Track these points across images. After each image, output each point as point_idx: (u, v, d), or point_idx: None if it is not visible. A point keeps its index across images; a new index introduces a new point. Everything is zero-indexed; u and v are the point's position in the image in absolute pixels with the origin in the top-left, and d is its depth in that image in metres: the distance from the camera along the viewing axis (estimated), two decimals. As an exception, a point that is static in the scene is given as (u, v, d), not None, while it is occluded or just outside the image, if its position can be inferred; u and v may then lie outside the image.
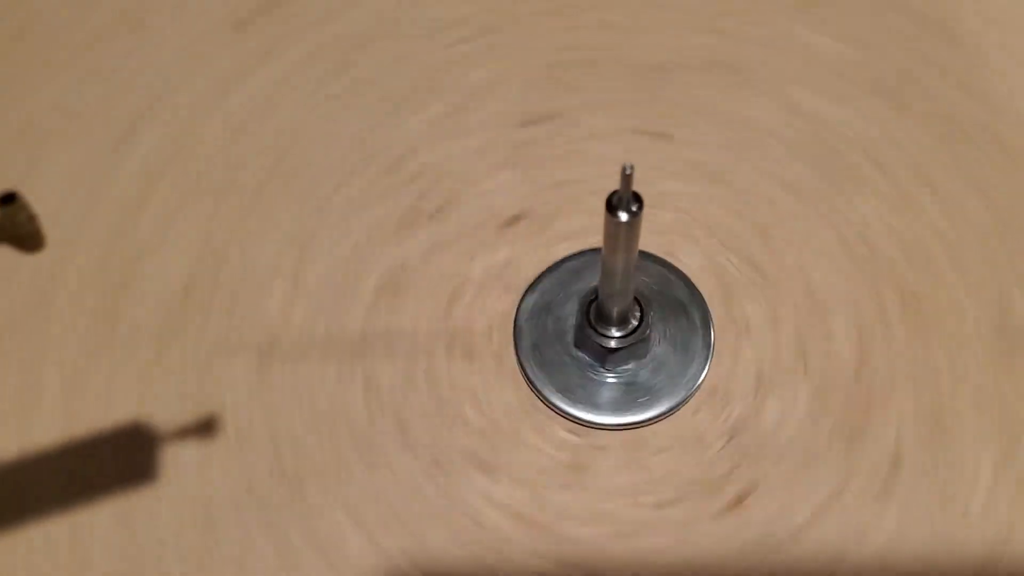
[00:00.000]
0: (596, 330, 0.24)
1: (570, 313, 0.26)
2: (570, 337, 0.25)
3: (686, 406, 0.25)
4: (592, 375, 0.25)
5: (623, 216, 0.21)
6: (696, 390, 0.25)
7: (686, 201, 0.27)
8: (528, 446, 0.24)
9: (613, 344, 0.24)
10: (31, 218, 0.18)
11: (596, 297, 0.24)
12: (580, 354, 0.25)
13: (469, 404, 0.25)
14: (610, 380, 0.25)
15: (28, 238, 0.18)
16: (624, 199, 0.20)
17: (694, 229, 0.27)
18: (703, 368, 0.25)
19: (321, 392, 0.25)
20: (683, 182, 0.28)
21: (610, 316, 0.24)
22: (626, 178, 0.20)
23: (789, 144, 0.28)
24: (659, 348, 0.25)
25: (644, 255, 0.26)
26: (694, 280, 0.26)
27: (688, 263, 0.26)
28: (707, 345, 0.25)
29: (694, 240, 0.27)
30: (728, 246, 0.27)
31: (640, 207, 0.21)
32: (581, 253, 0.27)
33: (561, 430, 0.24)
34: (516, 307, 0.26)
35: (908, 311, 0.26)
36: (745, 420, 0.24)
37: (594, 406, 0.25)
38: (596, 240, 0.26)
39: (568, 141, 0.29)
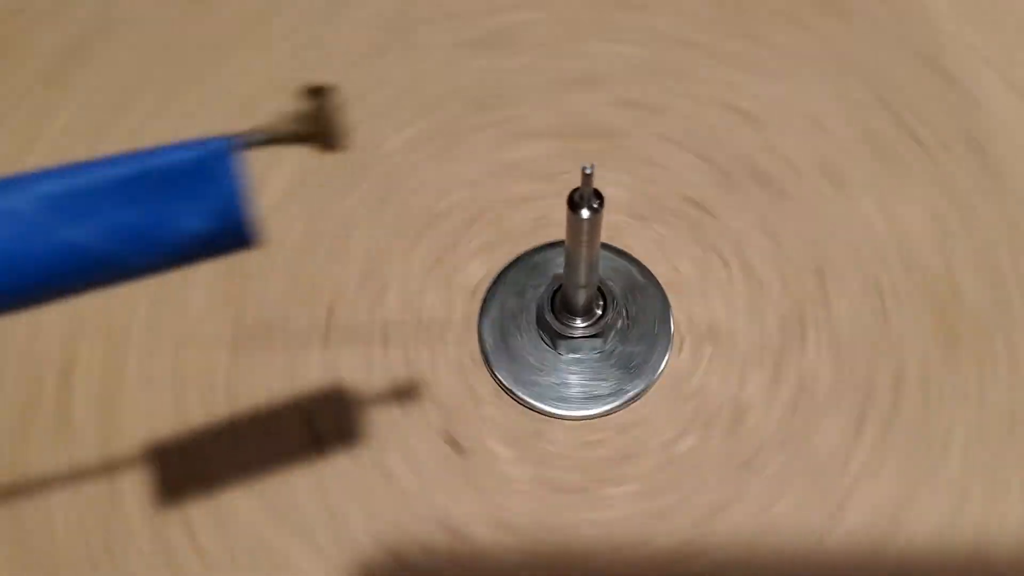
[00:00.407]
0: (560, 319, 0.25)
1: (533, 300, 0.26)
2: (535, 323, 0.25)
3: (644, 397, 0.25)
4: (553, 362, 0.25)
5: (585, 213, 0.21)
6: (656, 380, 0.25)
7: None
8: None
9: (577, 333, 0.25)
10: (339, 112, 0.16)
11: (560, 287, 0.25)
12: (544, 342, 0.25)
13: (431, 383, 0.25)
14: (572, 368, 0.25)
15: (334, 134, 0.16)
16: (586, 196, 0.20)
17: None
18: (663, 358, 0.25)
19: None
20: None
21: (575, 306, 0.24)
22: (586, 177, 0.20)
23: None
24: (620, 338, 0.25)
25: (607, 247, 0.26)
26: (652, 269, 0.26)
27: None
28: (667, 336, 0.26)
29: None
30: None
31: (601, 204, 0.21)
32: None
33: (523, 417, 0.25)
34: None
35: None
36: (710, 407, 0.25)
37: (559, 399, 0.25)
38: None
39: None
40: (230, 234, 0.16)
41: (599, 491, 0.24)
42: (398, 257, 0.27)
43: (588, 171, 0.20)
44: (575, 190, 0.20)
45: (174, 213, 0.15)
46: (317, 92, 0.16)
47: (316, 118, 0.16)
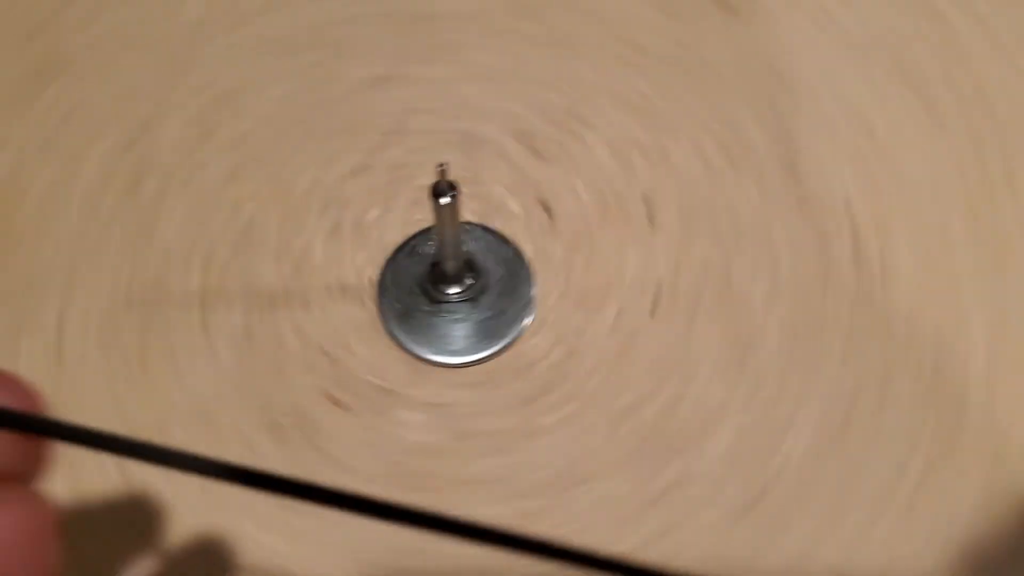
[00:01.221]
0: (438, 287, 0.31)
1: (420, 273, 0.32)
2: (420, 292, 0.32)
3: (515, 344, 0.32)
4: (439, 322, 0.32)
5: (444, 200, 0.27)
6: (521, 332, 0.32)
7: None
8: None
9: (453, 298, 0.31)
10: None
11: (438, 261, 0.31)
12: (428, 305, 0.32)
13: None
14: (454, 325, 0.32)
15: None
16: (443, 187, 0.27)
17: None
18: (527, 314, 0.32)
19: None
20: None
21: (447, 276, 0.31)
22: (441, 172, 0.27)
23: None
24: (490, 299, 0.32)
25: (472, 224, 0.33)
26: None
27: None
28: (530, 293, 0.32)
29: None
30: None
31: (456, 193, 0.27)
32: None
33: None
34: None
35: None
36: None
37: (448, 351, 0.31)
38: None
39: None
40: None
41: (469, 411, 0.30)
42: (309, 227, 0.33)
43: (442, 167, 0.26)
44: (436, 183, 0.27)
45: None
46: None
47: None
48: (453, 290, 0.32)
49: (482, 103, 0.36)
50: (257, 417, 0.30)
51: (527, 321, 0.32)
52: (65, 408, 0.30)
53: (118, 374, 0.31)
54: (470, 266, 0.32)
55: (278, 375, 0.31)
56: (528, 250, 0.33)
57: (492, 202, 0.34)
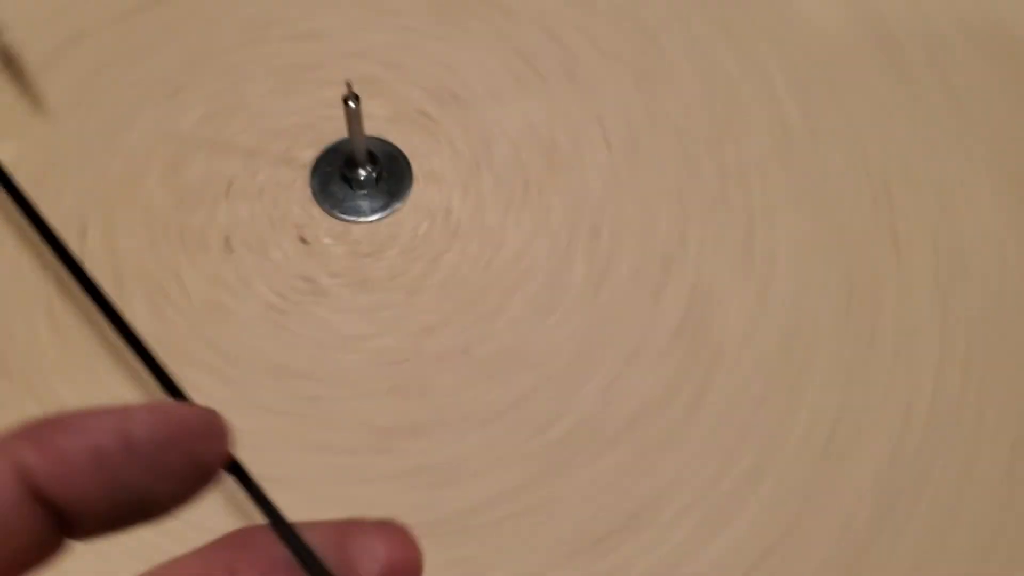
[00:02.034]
0: (351, 172, 0.46)
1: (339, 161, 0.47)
2: (339, 176, 0.47)
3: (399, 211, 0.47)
4: (352, 196, 0.47)
5: (352, 104, 0.42)
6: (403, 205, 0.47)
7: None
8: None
9: (363, 178, 0.46)
10: None
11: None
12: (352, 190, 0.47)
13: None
14: (361, 200, 0.47)
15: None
16: (350, 96, 0.42)
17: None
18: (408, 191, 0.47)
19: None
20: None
21: (356, 162, 0.46)
22: (349, 87, 0.41)
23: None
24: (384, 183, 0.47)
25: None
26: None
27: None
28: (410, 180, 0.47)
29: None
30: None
31: (358, 100, 0.42)
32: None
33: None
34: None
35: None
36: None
37: (356, 213, 0.46)
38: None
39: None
40: None
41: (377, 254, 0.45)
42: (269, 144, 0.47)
43: (348, 83, 0.41)
44: (345, 95, 0.42)
45: None
46: None
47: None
48: (360, 173, 0.47)
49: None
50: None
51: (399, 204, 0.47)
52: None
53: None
54: (371, 158, 0.47)
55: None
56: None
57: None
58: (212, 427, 0.18)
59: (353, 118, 0.43)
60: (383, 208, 0.46)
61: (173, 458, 0.17)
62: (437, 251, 0.45)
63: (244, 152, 0.47)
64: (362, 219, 0.46)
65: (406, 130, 0.48)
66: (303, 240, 0.45)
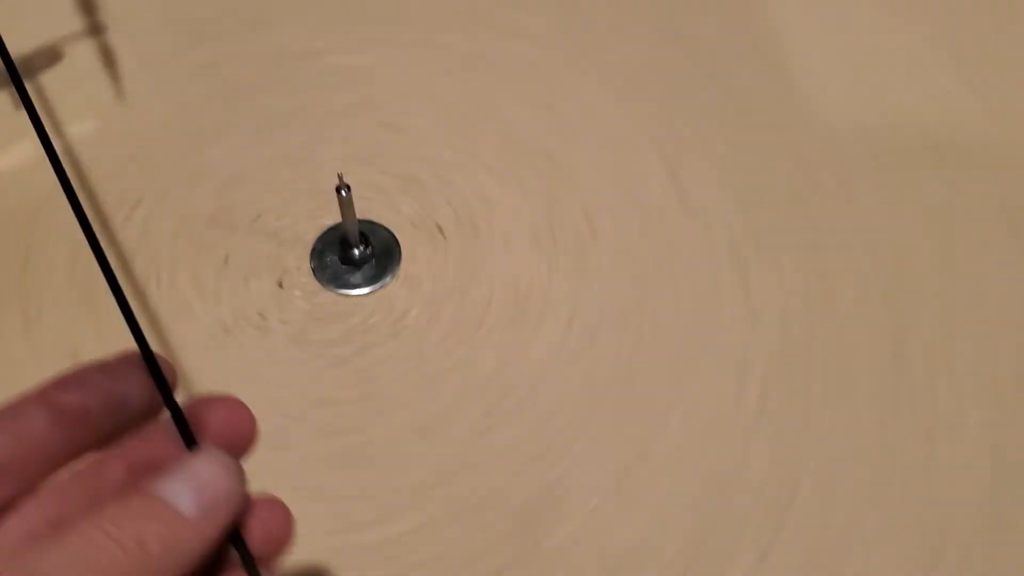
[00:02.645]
0: (346, 252, 0.52)
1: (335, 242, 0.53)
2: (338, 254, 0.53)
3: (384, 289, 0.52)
4: (347, 275, 0.53)
5: (343, 193, 0.48)
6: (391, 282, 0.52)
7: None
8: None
9: (357, 258, 0.52)
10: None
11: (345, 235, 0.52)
12: (341, 264, 0.53)
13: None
14: (347, 274, 0.52)
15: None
16: (343, 186, 0.48)
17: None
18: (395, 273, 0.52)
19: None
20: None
21: (351, 243, 0.52)
22: (340, 179, 0.48)
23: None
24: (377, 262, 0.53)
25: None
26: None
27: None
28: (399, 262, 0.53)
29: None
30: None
31: (349, 190, 0.48)
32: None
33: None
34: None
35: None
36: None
37: (334, 282, 0.52)
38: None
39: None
40: None
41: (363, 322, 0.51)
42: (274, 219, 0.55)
43: (340, 175, 0.47)
44: (338, 185, 0.48)
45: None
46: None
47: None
48: (354, 252, 0.53)
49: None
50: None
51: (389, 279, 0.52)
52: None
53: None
54: (365, 240, 0.53)
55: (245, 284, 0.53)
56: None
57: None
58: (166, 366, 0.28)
59: (346, 205, 0.49)
60: (353, 287, 0.52)
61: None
62: (371, 342, 0.50)
63: (285, 194, 0.55)
64: (335, 290, 0.52)
65: (416, 233, 0.54)
66: (279, 284, 0.52)
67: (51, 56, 0.61)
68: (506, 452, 0.47)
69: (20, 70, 0.33)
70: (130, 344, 0.27)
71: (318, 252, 0.53)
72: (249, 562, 0.24)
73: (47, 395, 0.24)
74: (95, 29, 0.63)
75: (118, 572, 0.21)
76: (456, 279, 0.53)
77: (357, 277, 0.53)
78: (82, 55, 0.62)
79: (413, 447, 0.47)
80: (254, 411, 0.49)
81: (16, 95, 0.41)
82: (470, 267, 0.53)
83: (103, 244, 0.30)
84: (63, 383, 0.24)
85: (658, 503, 0.45)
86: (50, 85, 0.60)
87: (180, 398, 0.27)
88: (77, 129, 0.58)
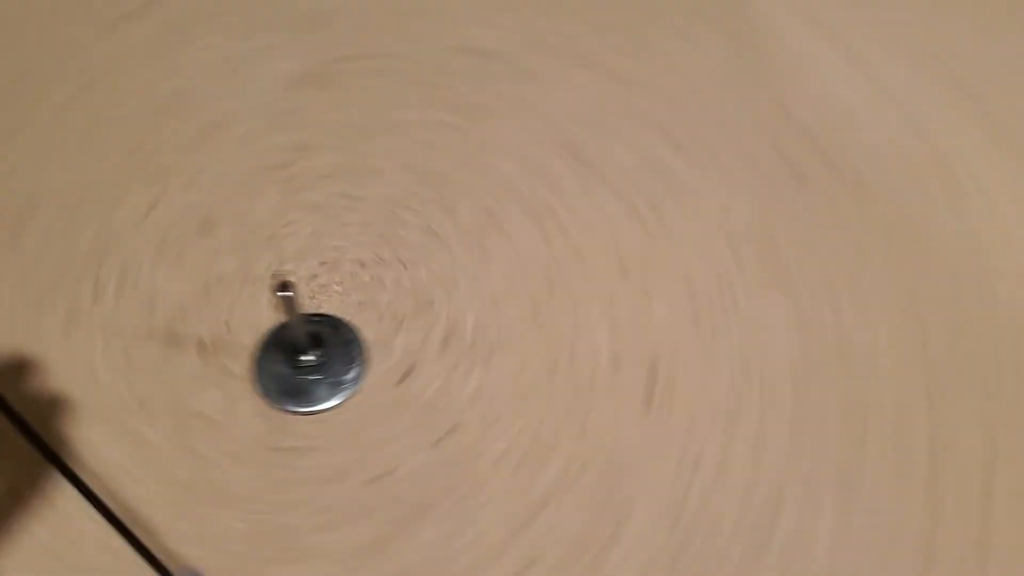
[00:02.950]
0: (291, 355, 0.51)
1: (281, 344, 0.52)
2: (283, 359, 0.52)
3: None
4: (292, 379, 0.51)
5: (284, 293, 0.48)
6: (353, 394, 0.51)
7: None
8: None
9: (301, 365, 0.51)
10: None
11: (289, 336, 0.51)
12: (286, 368, 0.51)
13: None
14: (302, 382, 0.51)
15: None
16: (283, 285, 0.48)
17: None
18: (357, 382, 0.51)
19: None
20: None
21: (296, 347, 0.51)
22: (276, 277, 0.47)
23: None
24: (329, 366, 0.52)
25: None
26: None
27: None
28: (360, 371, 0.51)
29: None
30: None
31: (291, 289, 0.48)
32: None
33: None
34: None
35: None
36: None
37: (294, 400, 0.51)
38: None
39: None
40: None
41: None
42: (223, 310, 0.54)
43: (277, 273, 0.47)
44: (279, 285, 0.48)
45: None
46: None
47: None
48: (304, 358, 0.51)
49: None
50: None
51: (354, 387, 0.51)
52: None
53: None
54: (316, 341, 0.52)
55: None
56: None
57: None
58: None
59: (288, 304, 0.48)
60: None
61: None
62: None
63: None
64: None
65: (406, 336, 0.53)
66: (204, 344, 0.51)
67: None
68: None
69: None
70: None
71: (271, 334, 0.52)
72: None
73: None
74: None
75: None
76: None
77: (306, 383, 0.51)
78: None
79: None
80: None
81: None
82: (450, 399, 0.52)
83: None
84: None
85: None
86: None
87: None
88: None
